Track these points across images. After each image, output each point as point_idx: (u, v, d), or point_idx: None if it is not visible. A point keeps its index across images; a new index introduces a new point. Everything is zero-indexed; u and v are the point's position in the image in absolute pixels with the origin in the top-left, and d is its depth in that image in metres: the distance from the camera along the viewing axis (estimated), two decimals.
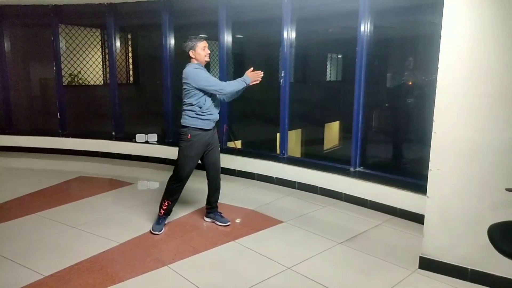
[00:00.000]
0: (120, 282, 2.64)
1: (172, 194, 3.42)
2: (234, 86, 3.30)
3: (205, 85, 3.22)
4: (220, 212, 3.62)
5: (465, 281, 2.68)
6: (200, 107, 3.26)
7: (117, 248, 3.13)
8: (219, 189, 3.58)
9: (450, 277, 2.72)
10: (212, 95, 3.31)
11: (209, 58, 3.38)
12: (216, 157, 3.48)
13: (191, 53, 3.29)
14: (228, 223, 3.54)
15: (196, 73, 3.23)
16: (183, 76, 3.28)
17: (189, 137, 3.28)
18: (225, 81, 5.30)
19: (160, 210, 3.45)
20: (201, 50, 3.29)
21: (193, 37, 3.30)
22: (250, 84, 3.31)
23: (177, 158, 3.37)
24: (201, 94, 3.24)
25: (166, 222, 3.52)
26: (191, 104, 3.25)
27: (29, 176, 5.16)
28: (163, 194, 3.44)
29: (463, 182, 2.62)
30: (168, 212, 3.48)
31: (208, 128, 3.33)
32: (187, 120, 3.29)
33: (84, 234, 3.38)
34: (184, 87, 3.28)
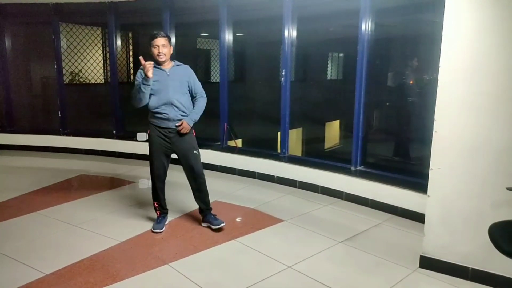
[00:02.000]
0: (121, 281, 2.64)
1: (153, 194, 3.48)
2: (133, 93, 3.23)
3: None
4: (213, 214, 3.49)
5: (466, 280, 2.68)
6: (148, 105, 3.25)
7: (118, 246, 3.13)
8: (203, 191, 3.45)
9: (450, 276, 2.72)
10: (157, 95, 3.21)
11: (163, 57, 3.19)
12: (182, 161, 3.39)
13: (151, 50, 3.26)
14: (222, 225, 3.39)
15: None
16: None
17: (148, 132, 3.35)
18: (227, 81, 5.34)
19: (156, 211, 3.51)
20: (152, 48, 3.20)
21: (153, 32, 3.21)
22: (145, 73, 3.09)
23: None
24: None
25: (167, 221, 3.52)
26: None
27: (30, 175, 5.17)
28: None
29: (464, 181, 2.62)
30: (161, 210, 3.49)
31: (161, 126, 3.27)
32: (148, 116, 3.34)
33: (85, 232, 3.39)
34: None
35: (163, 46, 3.18)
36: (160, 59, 3.21)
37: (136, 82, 3.24)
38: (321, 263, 2.93)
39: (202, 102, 3.39)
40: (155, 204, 3.50)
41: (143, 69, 3.13)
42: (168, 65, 3.29)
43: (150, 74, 3.09)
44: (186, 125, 3.28)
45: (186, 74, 3.36)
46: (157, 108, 3.25)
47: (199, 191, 3.46)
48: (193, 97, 3.39)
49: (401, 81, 4.84)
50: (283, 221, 3.68)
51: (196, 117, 3.35)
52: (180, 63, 3.38)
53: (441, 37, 2.58)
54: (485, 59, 2.47)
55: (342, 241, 3.27)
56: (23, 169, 5.56)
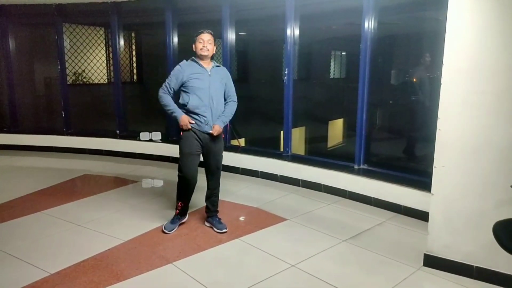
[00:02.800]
0: (125, 280, 2.65)
1: (180, 194, 3.38)
2: (167, 105, 3.24)
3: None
4: (219, 218, 3.49)
5: (471, 279, 2.67)
6: (185, 105, 3.21)
7: (122, 245, 3.14)
8: (217, 194, 3.48)
9: (455, 274, 2.71)
10: (197, 93, 3.17)
11: (206, 51, 3.19)
12: (212, 161, 3.36)
13: (193, 47, 3.26)
14: (225, 230, 3.38)
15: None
16: None
17: (181, 133, 3.27)
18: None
19: (176, 209, 3.44)
20: (197, 42, 3.21)
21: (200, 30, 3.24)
22: (179, 122, 3.22)
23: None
24: (183, 91, 3.21)
25: (180, 222, 3.47)
26: (179, 102, 3.27)
27: (34, 175, 5.19)
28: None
29: (468, 179, 2.61)
30: (182, 212, 3.44)
31: (198, 128, 3.22)
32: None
33: (89, 232, 3.40)
34: None
35: (208, 41, 3.20)
36: (203, 53, 3.19)
37: (168, 82, 3.24)
38: (324, 261, 2.93)
39: (233, 106, 3.37)
40: (180, 204, 3.39)
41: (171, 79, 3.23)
42: (209, 65, 3.28)
43: (188, 127, 3.21)
44: (219, 128, 3.24)
45: (226, 76, 3.35)
46: (197, 108, 3.19)
47: (215, 194, 3.47)
48: (224, 99, 3.36)
49: (404, 79, 4.82)
50: (286, 220, 3.68)
51: (226, 120, 3.33)
52: (219, 64, 3.37)
53: (444, 35, 2.57)
54: (488, 57, 2.46)
55: (345, 239, 3.27)
56: (27, 169, 5.58)
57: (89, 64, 6.93)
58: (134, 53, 7.43)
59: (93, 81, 7.14)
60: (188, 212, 3.57)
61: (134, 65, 7.45)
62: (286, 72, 4.89)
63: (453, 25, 2.54)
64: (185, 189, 3.35)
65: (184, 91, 3.23)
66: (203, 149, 3.32)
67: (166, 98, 3.26)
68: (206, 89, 3.19)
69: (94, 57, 7.00)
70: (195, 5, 5.69)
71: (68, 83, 6.55)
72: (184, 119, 3.20)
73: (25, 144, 6.45)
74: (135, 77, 7.46)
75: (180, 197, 3.40)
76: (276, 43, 5.72)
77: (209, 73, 3.24)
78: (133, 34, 7.44)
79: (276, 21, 5.00)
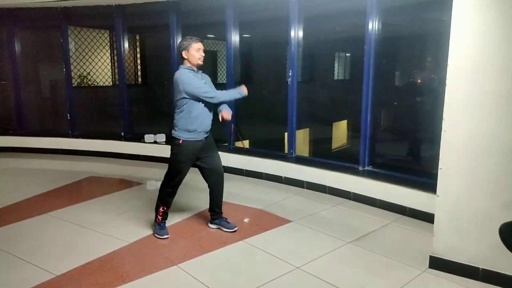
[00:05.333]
0: (130, 282, 2.66)
1: (164, 200, 3.33)
2: (228, 95, 3.22)
3: (196, 91, 3.06)
4: (225, 218, 3.49)
5: (477, 281, 2.65)
6: (189, 114, 3.11)
7: (127, 247, 3.15)
8: (222, 195, 3.49)
9: (460, 276, 2.69)
10: (203, 102, 3.13)
11: (203, 61, 3.17)
12: (217, 164, 3.37)
13: (184, 54, 3.13)
14: (235, 229, 3.41)
15: (187, 77, 3.08)
16: (173, 79, 3.13)
17: (180, 142, 3.16)
18: (234, 82, 5.35)
19: (157, 217, 3.34)
20: (195, 52, 3.12)
21: (188, 37, 3.16)
22: (244, 93, 3.23)
23: (169, 163, 3.26)
24: (190, 100, 3.09)
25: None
26: (181, 111, 3.13)
27: (40, 177, 5.23)
28: (157, 200, 3.35)
29: (474, 180, 2.59)
30: (165, 217, 3.41)
31: (199, 139, 3.20)
32: (177, 132, 3.18)
33: (95, 233, 3.42)
34: (175, 92, 3.13)
35: (203, 50, 3.21)
36: (201, 62, 3.17)
37: (200, 85, 3.14)
38: (329, 263, 2.92)
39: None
40: (162, 210, 3.33)
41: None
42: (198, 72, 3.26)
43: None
44: (227, 112, 3.22)
45: (209, 80, 3.35)
46: (197, 117, 3.14)
47: (221, 195, 3.47)
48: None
49: (409, 81, 4.81)
50: (291, 222, 3.67)
51: (228, 102, 3.30)
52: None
53: (449, 36, 2.57)
54: (493, 57, 2.45)
55: (350, 241, 3.26)
56: (33, 171, 5.62)
57: (94, 66, 6.97)
58: (138, 55, 7.46)
59: (98, 83, 7.19)
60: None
61: (139, 67, 7.48)
62: (290, 74, 4.89)
63: (458, 26, 2.53)
64: (172, 195, 3.34)
65: (189, 99, 3.11)
66: (201, 154, 3.28)
67: (220, 92, 3.21)
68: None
69: (99, 60, 7.04)
70: (199, 7, 5.71)
71: (73, 85, 6.59)
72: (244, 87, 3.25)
73: (31, 147, 6.49)
74: (139, 79, 7.49)
75: (164, 203, 3.34)
76: (280, 45, 5.73)
77: (204, 81, 3.23)
78: (137, 37, 7.48)
79: (280, 23, 5.00)
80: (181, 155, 3.21)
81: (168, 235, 3.34)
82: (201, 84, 3.14)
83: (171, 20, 5.73)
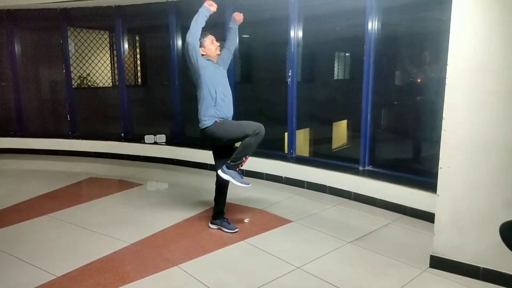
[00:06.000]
0: (131, 282, 2.66)
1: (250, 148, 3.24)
2: (195, 20, 3.16)
3: (188, 49, 3.10)
4: (226, 219, 3.50)
5: (477, 280, 2.65)
6: (213, 97, 3.15)
7: (128, 248, 3.16)
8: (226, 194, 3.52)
9: (461, 276, 2.69)
10: (220, 84, 3.20)
11: (220, 50, 3.32)
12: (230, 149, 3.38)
13: (202, 51, 3.20)
14: (236, 230, 3.42)
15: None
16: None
17: (217, 121, 3.19)
18: (234, 82, 5.35)
19: (239, 165, 3.25)
20: (210, 44, 3.24)
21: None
22: (208, 7, 3.19)
23: (229, 135, 3.22)
24: (209, 82, 3.14)
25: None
26: (202, 97, 3.18)
27: (40, 178, 5.23)
28: (241, 151, 3.21)
29: (474, 179, 2.59)
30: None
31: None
32: (206, 120, 3.18)
33: (95, 234, 3.42)
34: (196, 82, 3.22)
35: (216, 40, 3.30)
36: (219, 54, 3.32)
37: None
38: (330, 263, 2.92)
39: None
40: (245, 159, 3.27)
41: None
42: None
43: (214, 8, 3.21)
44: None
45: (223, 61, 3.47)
46: (219, 100, 3.20)
47: (225, 193, 3.48)
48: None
49: (408, 80, 4.80)
50: (291, 222, 3.67)
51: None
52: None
53: (449, 35, 2.57)
54: (493, 56, 2.45)
55: (351, 241, 3.26)
56: (33, 173, 5.62)
57: (94, 67, 6.97)
58: (138, 56, 7.46)
59: (98, 84, 7.19)
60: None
61: (139, 68, 7.47)
62: (289, 74, 4.89)
63: (457, 25, 2.53)
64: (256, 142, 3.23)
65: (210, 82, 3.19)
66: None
67: (191, 28, 3.18)
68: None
69: (99, 61, 7.04)
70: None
71: (73, 86, 6.60)
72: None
73: (31, 148, 6.49)
74: (139, 80, 7.48)
75: (249, 151, 3.24)
76: (279, 45, 5.72)
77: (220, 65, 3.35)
78: (137, 38, 7.47)
79: (279, 23, 5.00)
80: (223, 126, 3.19)
81: (247, 184, 3.27)
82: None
83: (170, 20, 5.73)
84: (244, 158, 3.25)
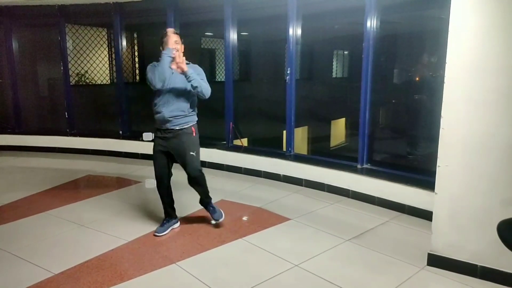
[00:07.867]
0: (129, 280, 2.66)
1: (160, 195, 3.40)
2: (159, 67, 3.14)
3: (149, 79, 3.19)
4: (213, 207, 3.47)
5: (475, 278, 2.66)
6: (155, 104, 3.26)
7: (125, 245, 3.15)
8: (198, 185, 3.39)
9: (459, 274, 2.70)
10: (159, 91, 3.22)
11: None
12: (182, 162, 3.29)
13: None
14: (221, 219, 3.45)
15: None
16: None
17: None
18: (232, 80, 5.34)
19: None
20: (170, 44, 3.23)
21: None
22: (172, 56, 3.14)
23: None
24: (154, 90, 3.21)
25: (174, 226, 3.44)
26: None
27: (38, 175, 5.21)
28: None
29: (472, 178, 2.60)
30: (166, 213, 3.43)
31: (159, 128, 3.22)
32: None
33: (93, 232, 3.41)
34: None
35: (175, 42, 3.23)
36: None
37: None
38: (328, 261, 2.93)
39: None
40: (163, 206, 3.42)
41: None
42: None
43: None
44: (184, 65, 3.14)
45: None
46: (156, 105, 3.29)
47: (195, 184, 3.40)
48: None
49: (407, 78, 4.80)
50: (289, 220, 3.67)
51: (195, 77, 3.16)
52: None
53: (447, 34, 2.56)
54: (492, 55, 2.45)
55: (349, 239, 3.27)
56: (31, 170, 5.61)
57: (91, 64, 6.95)
58: (136, 53, 7.43)
59: (96, 81, 7.16)
60: (175, 216, 3.48)
61: (137, 65, 7.45)
62: (288, 72, 4.88)
63: (456, 23, 2.53)
64: (160, 192, 3.38)
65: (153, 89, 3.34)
66: (173, 152, 3.29)
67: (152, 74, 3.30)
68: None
69: (97, 58, 7.01)
70: (197, 5, 5.69)
71: (71, 84, 6.58)
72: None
73: (29, 145, 6.47)
74: (137, 77, 7.46)
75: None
76: (278, 43, 5.72)
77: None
78: (135, 35, 7.45)
79: (278, 21, 4.99)
80: (154, 146, 3.33)
81: (159, 234, 3.33)
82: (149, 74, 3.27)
83: (169, 17, 5.71)
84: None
